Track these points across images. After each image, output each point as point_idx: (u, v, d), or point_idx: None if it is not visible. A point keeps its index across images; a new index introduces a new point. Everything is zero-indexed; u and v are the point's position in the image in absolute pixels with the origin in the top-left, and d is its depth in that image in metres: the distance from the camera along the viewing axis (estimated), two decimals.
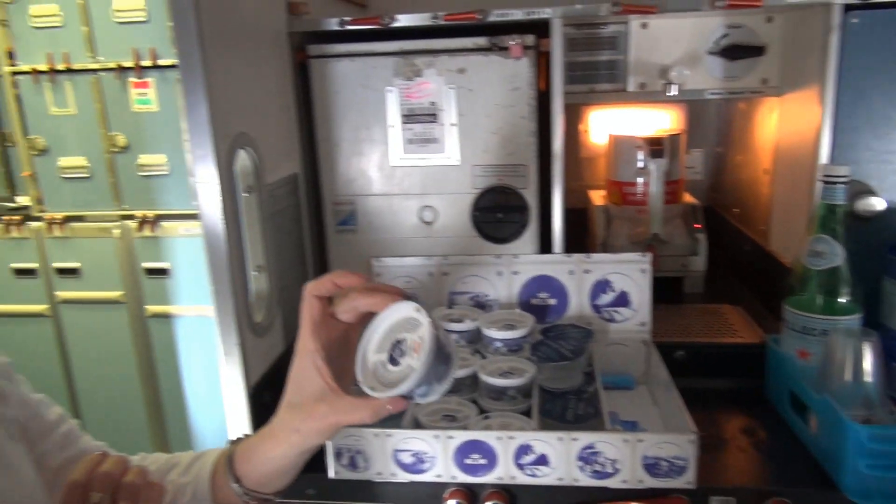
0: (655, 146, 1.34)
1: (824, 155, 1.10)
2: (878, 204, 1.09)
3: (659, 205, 1.34)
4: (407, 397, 0.68)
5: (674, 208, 1.46)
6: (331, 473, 0.95)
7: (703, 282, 1.46)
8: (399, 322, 0.70)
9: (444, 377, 0.68)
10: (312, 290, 0.73)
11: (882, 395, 0.91)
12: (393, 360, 0.69)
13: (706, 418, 1.04)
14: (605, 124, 1.67)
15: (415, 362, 0.65)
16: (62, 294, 2.75)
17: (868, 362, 0.90)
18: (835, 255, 0.98)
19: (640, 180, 1.43)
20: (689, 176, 1.70)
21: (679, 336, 1.22)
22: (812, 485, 0.90)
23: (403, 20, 1.10)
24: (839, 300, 0.99)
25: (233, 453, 0.79)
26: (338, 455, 0.94)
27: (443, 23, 1.09)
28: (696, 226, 1.47)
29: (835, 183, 0.99)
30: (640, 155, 1.38)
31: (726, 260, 1.56)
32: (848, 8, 1.05)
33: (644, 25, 1.26)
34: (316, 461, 0.96)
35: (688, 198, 1.53)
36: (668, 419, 1.02)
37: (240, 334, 0.94)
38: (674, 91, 1.26)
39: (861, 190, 1.10)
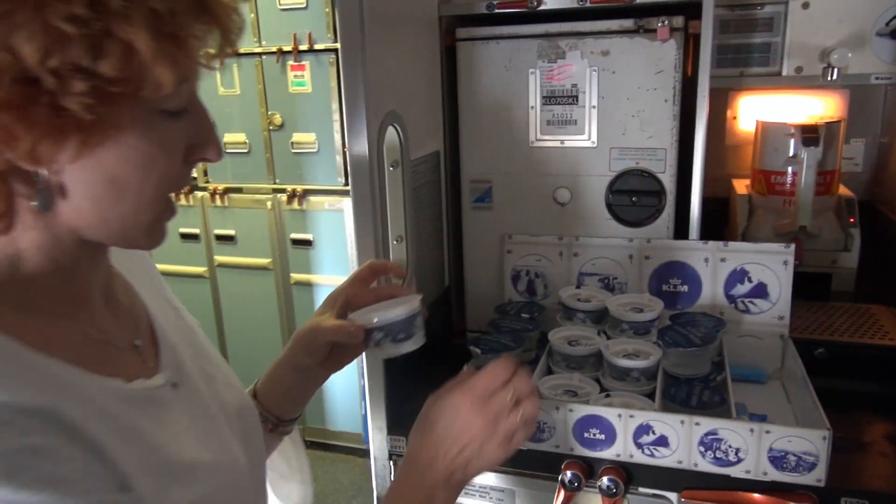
0: (809, 134, 1.27)
1: None
2: None
3: (809, 196, 1.27)
4: (367, 331, 0.79)
5: (826, 200, 1.37)
6: None
7: (855, 280, 1.37)
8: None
9: (400, 342, 0.80)
10: (373, 262, 0.88)
11: None
12: None
13: (845, 420, 0.99)
14: (756, 110, 1.59)
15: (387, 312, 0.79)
16: (219, 258, 3.05)
17: None
18: None
19: (789, 169, 1.36)
20: (848, 168, 1.59)
21: (821, 334, 1.16)
22: None
23: (550, 3, 1.12)
24: None
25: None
26: None
27: (589, 6, 1.10)
28: (850, 220, 1.37)
29: None
30: (792, 143, 1.31)
31: (883, 258, 1.44)
32: None
33: (805, 5, 1.20)
34: None
35: (843, 190, 1.44)
36: (800, 416, 0.99)
37: None
38: (835, 75, 1.19)
39: None
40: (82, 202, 0.53)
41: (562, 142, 1.19)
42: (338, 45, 2.64)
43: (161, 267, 3.09)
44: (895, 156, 1.52)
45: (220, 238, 3.03)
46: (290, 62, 2.70)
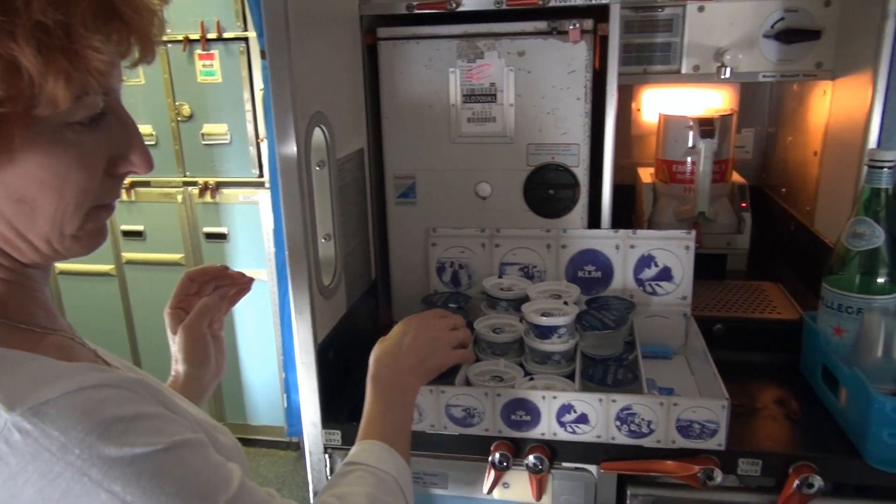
0: (706, 126, 1.37)
1: (873, 139, 1.13)
2: None
3: (706, 184, 1.38)
4: None
5: (721, 187, 1.49)
6: None
7: (747, 259, 1.50)
8: None
9: None
10: (189, 272, 0.93)
11: None
12: None
13: (741, 388, 1.10)
14: (658, 103, 1.69)
15: None
16: (127, 255, 2.93)
17: None
18: (875, 236, 1.02)
19: (689, 159, 1.47)
20: (739, 155, 1.73)
21: (719, 311, 1.28)
22: (837, 452, 0.96)
23: (468, 4, 1.16)
24: (877, 280, 1.03)
25: None
26: None
27: (505, 7, 1.15)
28: (742, 204, 1.50)
29: (880, 167, 1.02)
30: (690, 134, 1.42)
31: (771, 239, 1.59)
32: None
33: (701, 9, 1.29)
34: None
35: (736, 177, 1.56)
36: (702, 387, 1.09)
37: (310, 296, 1.03)
38: (727, 74, 1.29)
39: None
40: None
41: (482, 138, 1.24)
42: (247, 34, 2.58)
43: (62, 266, 2.95)
44: (780, 145, 1.66)
45: (127, 234, 2.91)
46: (198, 51, 2.62)
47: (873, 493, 0.99)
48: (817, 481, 0.93)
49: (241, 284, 0.94)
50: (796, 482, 0.93)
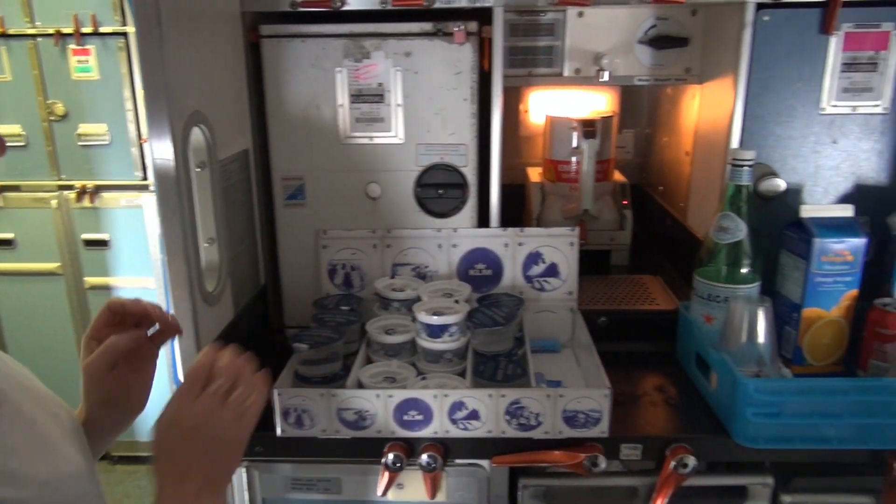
0: (588, 127, 1.43)
1: (735, 139, 1.22)
2: (780, 185, 1.21)
3: (590, 183, 1.43)
4: None
5: (604, 186, 1.56)
6: (278, 431, 1.02)
7: (629, 254, 1.58)
8: None
9: None
10: (111, 302, 0.86)
11: (773, 354, 1.04)
12: None
13: (623, 377, 1.16)
14: (544, 105, 1.75)
15: None
16: None
17: (761, 325, 1.02)
18: (738, 230, 1.10)
19: (573, 159, 1.52)
20: (620, 155, 1.81)
21: (603, 304, 1.34)
22: (709, 432, 1.02)
23: (353, 3, 1.15)
24: (741, 271, 1.11)
25: None
26: (285, 414, 1.01)
27: (391, 7, 1.15)
28: (623, 202, 1.57)
29: (741, 166, 1.10)
30: (574, 135, 1.47)
31: (650, 234, 1.68)
32: (760, 6, 1.16)
33: (580, 14, 1.34)
34: (264, 420, 1.02)
35: (617, 176, 1.64)
36: (588, 378, 1.13)
37: (192, 303, 0.99)
38: (605, 77, 1.35)
39: (765, 172, 1.22)
40: None
41: (371, 138, 1.23)
42: (127, 29, 2.45)
43: None
44: (657, 145, 1.76)
45: None
46: (72, 46, 2.46)
47: (742, 469, 1.07)
48: (691, 461, 0.99)
49: (170, 327, 0.86)
50: (672, 463, 0.98)
